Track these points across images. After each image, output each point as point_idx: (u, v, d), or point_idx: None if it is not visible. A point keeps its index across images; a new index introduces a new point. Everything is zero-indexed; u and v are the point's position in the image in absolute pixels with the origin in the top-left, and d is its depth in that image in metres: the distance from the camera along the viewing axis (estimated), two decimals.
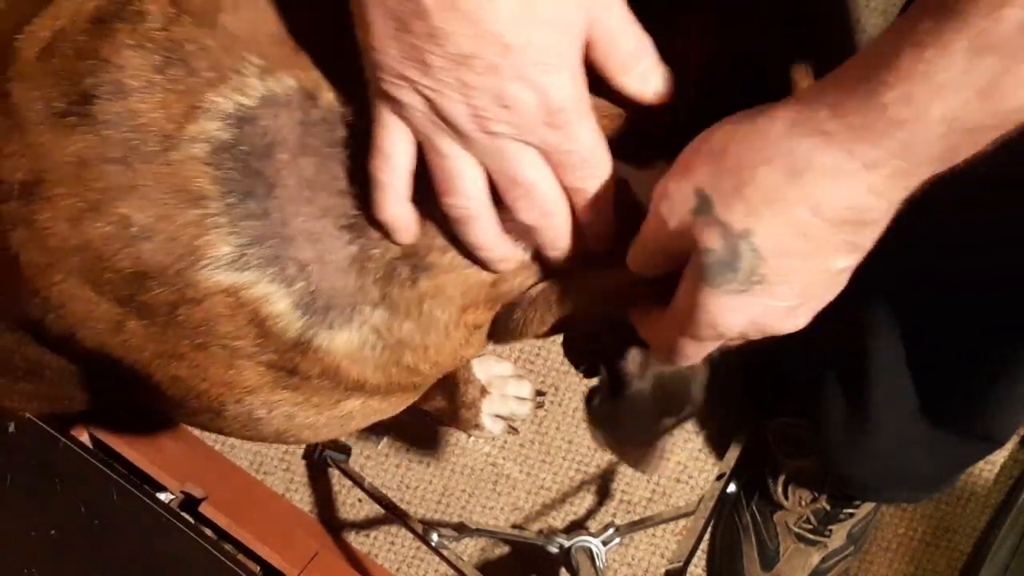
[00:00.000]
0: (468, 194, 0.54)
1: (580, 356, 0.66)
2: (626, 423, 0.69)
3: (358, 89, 0.55)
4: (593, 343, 0.70)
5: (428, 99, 0.51)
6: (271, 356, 0.60)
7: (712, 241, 0.49)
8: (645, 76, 0.54)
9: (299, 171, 0.56)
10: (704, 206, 0.48)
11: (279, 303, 0.58)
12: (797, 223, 0.47)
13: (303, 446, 1.31)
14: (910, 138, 0.42)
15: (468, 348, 0.65)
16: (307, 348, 0.60)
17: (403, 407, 0.71)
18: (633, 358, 0.66)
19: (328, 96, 0.56)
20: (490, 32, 0.48)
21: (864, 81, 0.42)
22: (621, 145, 0.56)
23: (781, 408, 1.21)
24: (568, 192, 0.56)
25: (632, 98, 0.55)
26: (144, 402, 0.69)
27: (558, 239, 0.58)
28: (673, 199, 0.50)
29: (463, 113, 0.51)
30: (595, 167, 0.55)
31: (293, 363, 0.61)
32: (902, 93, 0.41)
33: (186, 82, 0.55)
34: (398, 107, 0.52)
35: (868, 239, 0.48)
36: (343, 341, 0.60)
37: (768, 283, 0.49)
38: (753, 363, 1.28)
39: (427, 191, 0.56)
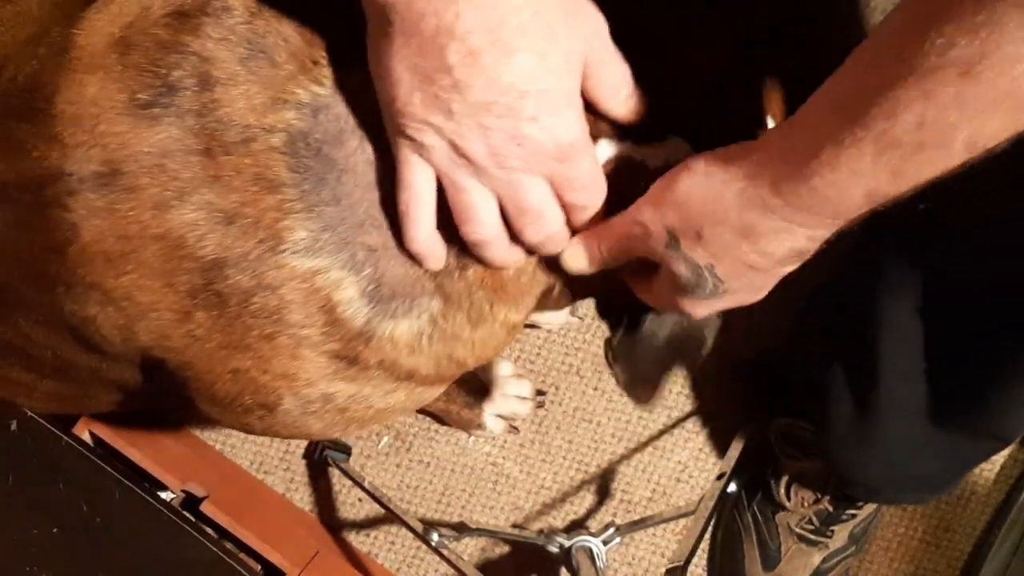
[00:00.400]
0: (485, 222, 0.60)
1: (608, 311, 0.74)
2: (641, 361, 0.73)
3: None
4: (614, 302, 0.75)
5: (450, 141, 0.56)
6: (335, 345, 0.62)
7: (681, 269, 0.59)
8: (627, 101, 0.62)
9: (366, 157, 0.59)
10: (674, 243, 0.58)
11: (349, 289, 0.61)
12: (749, 262, 0.58)
13: (303, 446, 1.31)
14: (838, 207, 0.52)
15: (506, 345, 0.70)
16: (371, 337, 0.63)
17: (429, 400, 0.74)
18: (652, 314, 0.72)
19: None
20: (507, 83, 0.54)
21: (798, 166, 0.51)
22: (639, 128, 0.63)
23: (783, 409, 1.21)
24: (568, 208, 0.62)
25: (617, 118, 0.62)
26: (176, 405, 0.70)
27: (557, 248, 0.65)
28: (648, 228, 0.59)
29: (481, 151, 0.56)
30: (594, 190, 0.62)
31: (355, 352, 0.63)
32: (829, 180, 0.50)
33: (269, 73, 0.58)
34: (421, 148, 0.57)
35: (811, 254, 0.60)
36: (403, 330, 0.63)
37: (731, 292, 0.62)
38: (755, 363, 1.28)
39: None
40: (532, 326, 1.31)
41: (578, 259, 0.65)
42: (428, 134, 0.56)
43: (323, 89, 0.59)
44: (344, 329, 0.62)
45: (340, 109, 0.59)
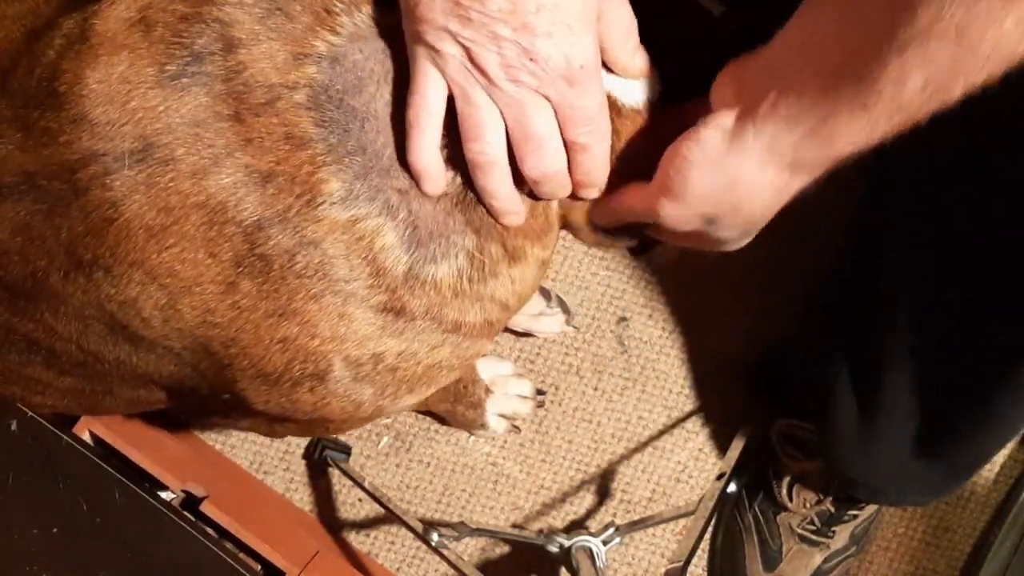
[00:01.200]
0: (490, 141, 0.61)
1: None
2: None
3: None
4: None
5: (465, 48, 0.58)
6: (382, 297, 0.63)
7: (724, 236, 0.65)
8: (633, 51, 0.64)
9: (384, 101, 0.61)
10: (711, 224, 0.64)
11: (389, 235, 0.62)
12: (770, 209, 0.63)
13: (303, 445, 1.31)
14: (834, 157, 0.57)
15: (540, 281, 0.72)
16: (415, 283, 0.64)
17: (473, 360, 0.74)
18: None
19: (393, 19, 0.60)
20: None
21: (816, 129, 0.56)
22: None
23: (784, 409, 1.21)
24: (570, 148, 0.63)
25: (621, 69, 0.65)
26: (194, 405, 0.70)
27: (553, 195, 0.67)
28: (680, 217, 0.63)
29: (494, 63, 0.58)
30: (598, 126, 0.63)
31: (402, 302, 0.64)
32: (838, 145, 0.56)
33: (287, 29, 0.59)
34: (437, 56, 0.58)
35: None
36: (445, 273, 0.65)
37: (754, 230, 0.66)
38: (756, 363, 1.28)
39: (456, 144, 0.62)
40: (527, 335, 1.31)
41: (602, 217, 0.68)
42: (445, 41, 0.58)
43: (339, 39, 0.60)
44: (389, 278, 0.63)
45: (356, 56, 0.60)
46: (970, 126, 0.73)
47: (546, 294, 1.29)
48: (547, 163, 0.63)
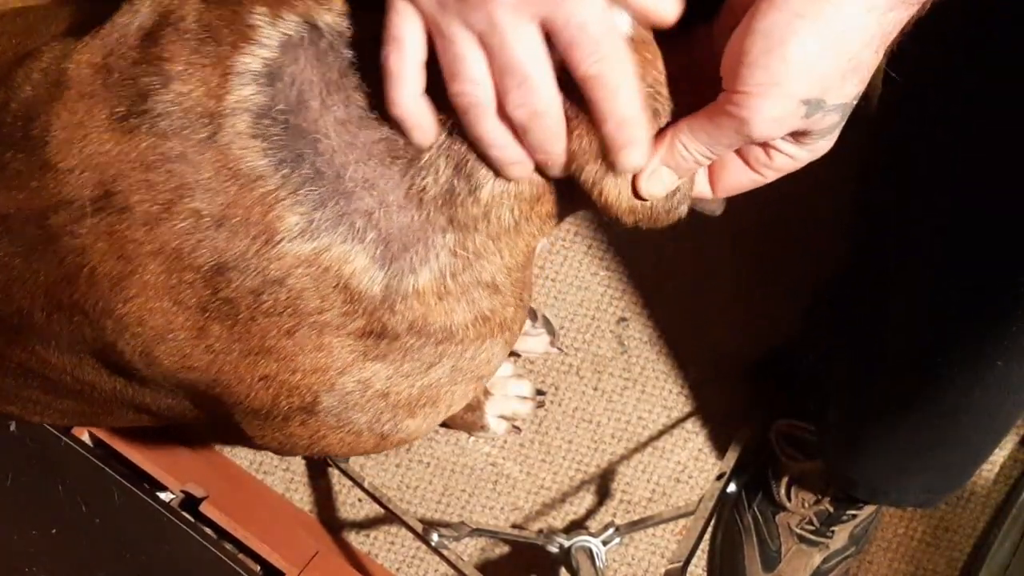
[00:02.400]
0: (473, 78, 0.53)
1: None
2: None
3: None
4: None
5: None
6: (359, 322, 0.61)
7: (831, 119, 0.55)
8: None
9: (332, 115, 0.57)
10: (815, 105, 0.53)
11: (358, 259, 0.58)
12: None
13: None
14: None
15: (539, 237, 0.65)
16: (395, 300, 0.60)
17: (482, 366, 0.70)
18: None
19: (326, 18, 0.57)
20: None
21: None
22: None
23: (784, 409, 1.21)
24: (581, 83, 0.53)
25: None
26: (210, 421, 0.68)
27: (546, 142, 0.56)
28: (778, 116, 0.52)
29: None
30: (609, 48, 0.52)
31: (381, 323, 0.61)
32: None
33: (216, 53, 0.56)
34: None
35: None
36: (426, 279, 0.61)
37: (854, 100, 0.55)
38: (757, 364, 1.28)
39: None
40: (514, 354, 1.31)
41: (657, 179, 0.57)
42: None
43: (268, 51, 0.56)
44: (365, 301, 0.60)
45: (292, 68, 0.56)
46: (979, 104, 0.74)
47: (532, 314, 1.29)
48: (532, 98, 0.53)
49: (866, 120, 1.05)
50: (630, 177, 0.58)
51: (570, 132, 0.56)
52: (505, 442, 1.31)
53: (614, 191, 0.58)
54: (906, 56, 0.55)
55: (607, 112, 0.54)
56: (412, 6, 0.53)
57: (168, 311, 0.59)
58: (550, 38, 0.52)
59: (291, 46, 0.56)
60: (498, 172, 0.58)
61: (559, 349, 1.31)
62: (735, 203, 0.65)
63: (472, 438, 1.31)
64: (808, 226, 1.28)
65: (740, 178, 0.60)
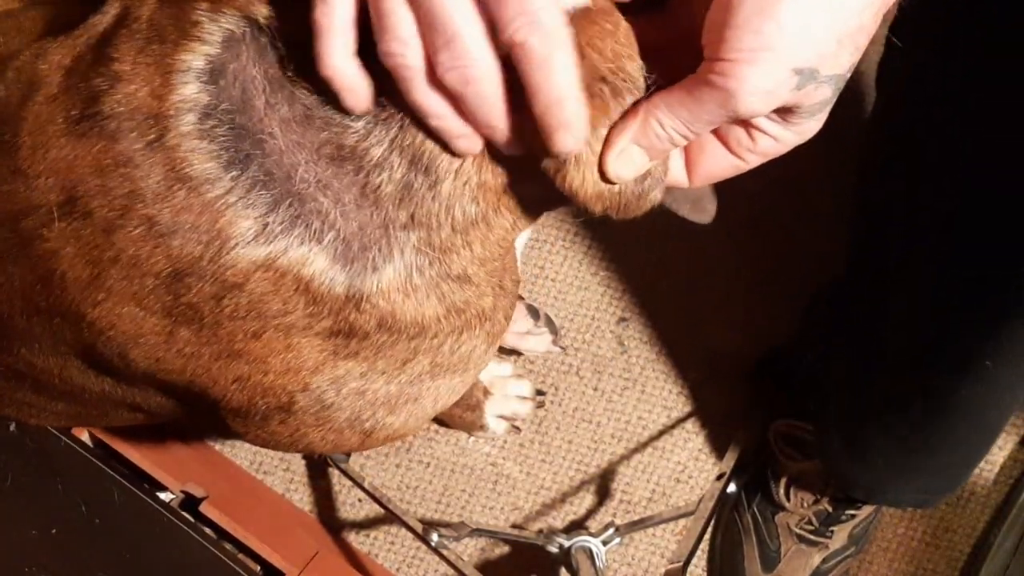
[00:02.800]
0: (400, 36, 0.48)
1: None
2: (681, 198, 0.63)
3: None
4: None
5: None
6: (326, 323, 0.59)
7: (826, 92, 0.50)
8: None
9: (278, 114, 0.54)
10: (808, 75, 0.48)
11: (317, 261, 0.56)
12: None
13: None
14: None
15: (516, 230, 0.62)
16: (359, 299, 0.58)
17: (464, 359, 0.68)
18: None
19: (263, 12, 0.54)
20: None
21: None
22: None
23: (783, 409, 1.21)
24: (508, 51, 0.47)
25: None
26: (202, 421, 0.68)
27: (483, 112, 0.50)
28: (768, 87, 0.48)
29: None
30: (540, 12, 0.46)
31: (348, 322, 0.59)
32: None
33: (160, 51, 0.54)
34: None
35: None
36: (390, 277, 0.58)
37: (848, 72, 0.51)
38: (756, 364, 1.28)
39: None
40: (515, 354, 1.31)
41: (627, 160, 0.52)
42: None
43: (210, 47, 0.54)
44: (329, 302, 0.58)
45: (235, 65, 0.54)
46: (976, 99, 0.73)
47: (534, 313, 1.29)
48: (463, 60, 0.47)
49: (865, 120, 1.05)
50: (596, 160, 0.53)
51: (523, 108, 0.50)
52: (505, 442, 1.31)
53: (578, 176, 0.53)
54: (906, 39, 0.53)
55: (534, 88, 0.48)
56: None
57: (136, 316, 0.59)
58: None
59: (233, 42, 0.54)
60: (445, 148, 0.54)
61: (561, 348, 1.31)
62: (735, 204, 0.64)
63: (472, 438, 1.31)
64: (808, 226, 1.28)
65: (720, 163, 0.55)
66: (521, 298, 1.29)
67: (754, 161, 0.54)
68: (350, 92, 0.52)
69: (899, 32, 0.53)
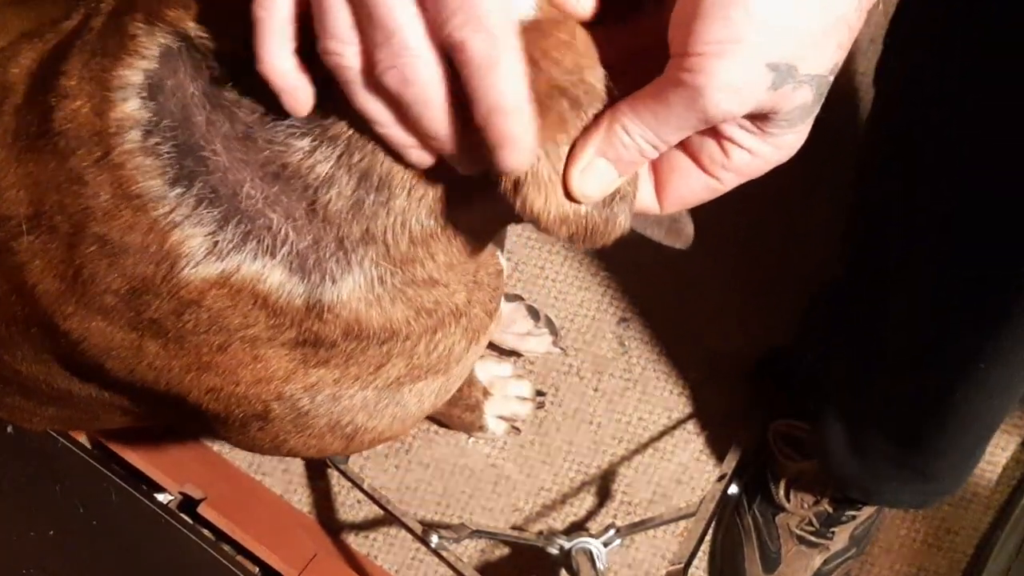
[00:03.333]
0: (337, 34, 0.44)
1: None
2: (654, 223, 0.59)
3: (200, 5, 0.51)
4: None
5: None
6: (289, 333, 0.57)
7: (805, 94, 0.45)
8: None
9: (219, 131, 0.52)
10: (785, 73, 0.43)
11: (272, 276, 0.54)
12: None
13: None
14: None
15: (483, 241, 0.59)
16: (320, 310, 0.56)
17: (453, 370, 0.66)
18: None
19: (190, 25, 0.52)
20: None
21: None
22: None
23: (783, 409, 1.21)
24: (449, 53, 0.43)
25: None
26: (191, 424, 0.68)
27: (425, 120, 0.46)
28: (742, 82, 0.43)
29: None
30: (482, 11, 0.42)
31: (313, 332, 0.57)
32: None
33: (101, 65, 0.53)
34: None
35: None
36: (350, 288, 0.56)
37: (831, 73, 0.46)
38: (756, 365, 1.28)
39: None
40: (515, 354, 1.30)
41: (593, 176, 0.47)
42: None
43: (148, 62, 0.51)
44: (290, 314, 0.56)
45: (173, 81, 0.52)
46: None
47: (534, 314, 1.29)
48: (401, 60, 0.43)
49: (863, 119, 1.05)
50: (559, 179, 0.48)
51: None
52: (505, 443, 1.31)
53: (539, 198, 0.48)
54: (903, 40, 0.50)
55: (476, 95, 0.43)
56: None
57: (104, 330, 0.58)
58: None
59: (171, 57, 0.52)
60: (397, 161, 0.51)
61: (561, 349, 1.31)
62: (735, 205, 0.63)
63: (472, 439, 1.31)
64: (808, 227, 1.28)
65: (692, 185, 0.50)
66: (521, 299, 1.29)
67: (729, 181, 0.49)
68: (288, 94, 0.48)
69: (896, 32, 0.51)
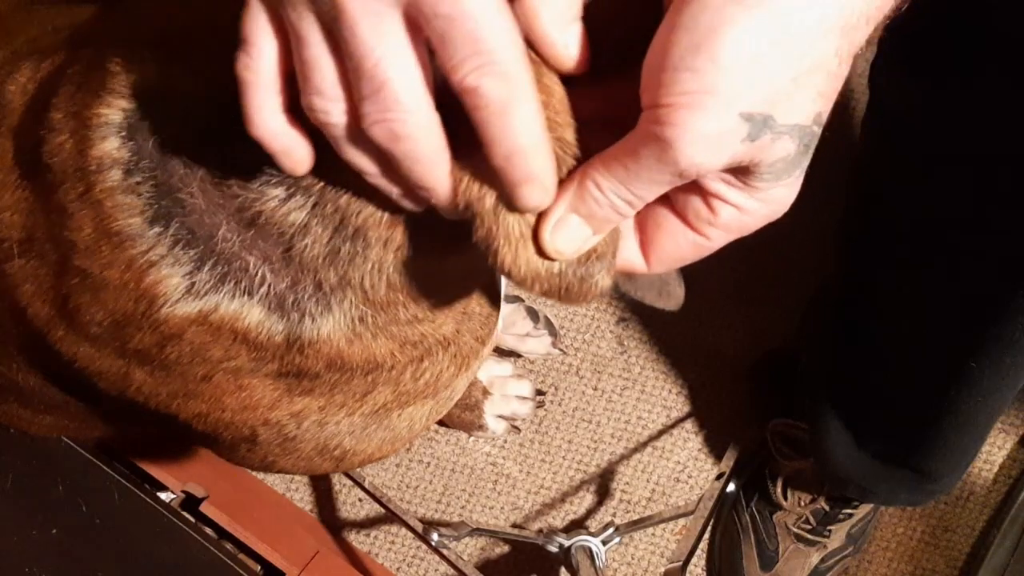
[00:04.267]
0: (321, 88, 0.42)
1: None
2: (644, 286, 0.58)
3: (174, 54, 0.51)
4: None
5: None
6: (272, 366, 0.57)
7: (787, 146, 0.42)
8: (568, 21, 0.43)
9: (196, 173, 0.51)
10: (762, 124, 0.41)
11: (251, 315, 0.54)
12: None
13: None
14: None
15: (469, 282, 0.59)
16: (302, 345, 0.55)
17: (442, 394, 0.66)
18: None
19: (165, 68, 0.51)
20: None
21: None
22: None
23: (781, 409, 1.21)
24: (460, 96, 0.40)
25: (548, 51, 0.43)
26: (186, 436, 0.68)
27: (416, 175, 0.43)
28: (716, 135, 0.40)
29: None
30: (498, 50, 0.39)
31: (295, 365, 0.57)
32: None
33: (83, 101, 0.52)
34: None
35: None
36: (330, 327, 0.55)
37: (819, 123, 0.43)
38: (755, 364, 1.28)
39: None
40: (515, 355, 1.31)
41: (565, 232, 0.45)
42: None
43: (126, 101, 0.51)
44: (271, 348, 0.56)
45: (150, 123, 0.51)
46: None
47: (534, 315, 1.29)
48: (393, 114, 0.40)
49: (860, 118, 1.05)
50: (530, 233, 0.45)
51: (466, 163, 0.44)
52: (505, 442, 1.32)
53: (510, 253, 0.45)
54: (896, 39, 0.47)
55: (493, 139, 0.41)
56: (261, 5, 0.42)
57: (93, 355, 0.58)
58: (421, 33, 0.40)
59: (148, 97, 0.51)
60: (376, 207, 0.49)
61: (561, 350, 1.31)
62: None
63: (472, 438, 1.31)
64: (806, 227, 1.28)
65: (679, 243, 0.48)
66: (521, 300, 1.29)
67: (718, 238, 0.47)
68: (284, 155, 0.45)
69: (890, 31, 0.51)
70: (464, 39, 0.39)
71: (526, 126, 0.41)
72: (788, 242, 1.29)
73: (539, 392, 1.31)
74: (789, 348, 1.23)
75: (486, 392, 1.26)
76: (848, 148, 1.01)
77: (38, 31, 0.64)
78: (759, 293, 1.30)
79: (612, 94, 0.43)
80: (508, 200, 0.44)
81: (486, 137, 0.41)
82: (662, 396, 1.32)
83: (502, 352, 1.30)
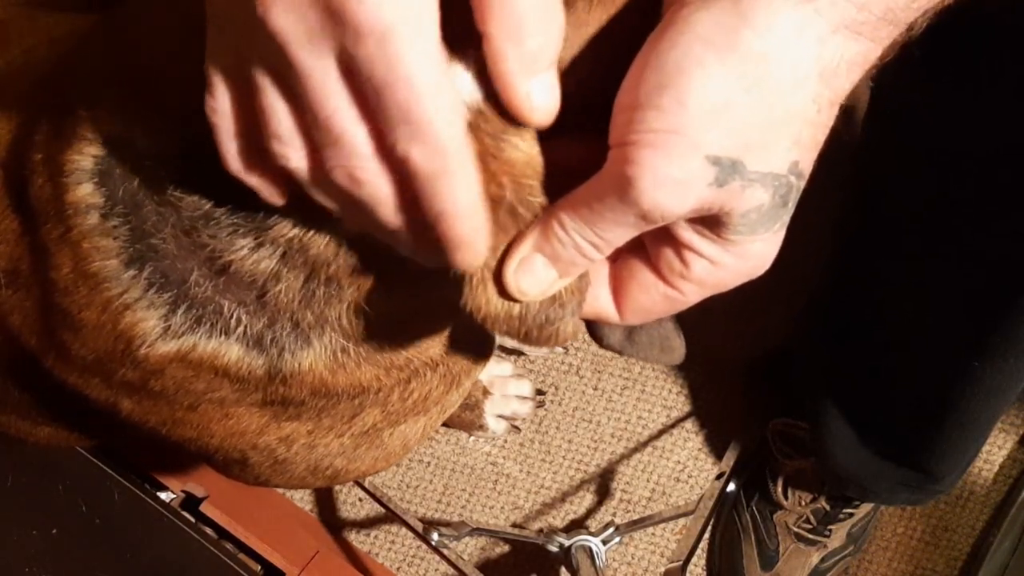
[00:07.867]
0: (279, 134, 0.41)
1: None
2: (641, 342, 0.58)
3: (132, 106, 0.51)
4: None
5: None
6: (256, 395, 0.57)
7: (759, 194, 0.41)
8: (538, 67, 0.41)
9: (166, 220, 0.51)
10: (730, 170, 0.39)
11: (230, 353, 0.54)
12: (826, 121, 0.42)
13: None
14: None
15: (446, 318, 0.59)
16: (284, 378, 0.55)
17: (433, 411, 0.66)
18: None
19: (129, 120, 0.52)
20: None
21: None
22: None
23: (781, 408, 1.21)
24: (392, 161, 0.40)
25: (512, 102, 0.41)
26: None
27: (379, 218, 0.42)
28: (680, 177, 0.39)
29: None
30: (424, 124, 0.38)
31: (279, 394, 0.57)
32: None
33: (57, 147, 0.53)
34: (218, 37, 0.42)
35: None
36: (311, 359, 0.55)
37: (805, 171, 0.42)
38: (755, 364, 1.28)
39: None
40: (518, 352, 1.31)
41: (528, 273, 0.44)
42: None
43: (96, 148, 0.51)
44: (252, 381, 0.56)
45: (120, 168, 0.52)
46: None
47: None
48: (351, 161, 0.40)
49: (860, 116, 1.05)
50: (490, 274, 0.44)
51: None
52: (505, 442, 1.32)
53: (470, 292, 0.45)
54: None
55: (425, 202, 0.40)
56: (220, 51, 0.42)
57: (82, 384, 0.59)
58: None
59: (116, 146, 0.51)
60: (359, 250, 0.50)
61: (564, 349, 1.31)
62: None
63: (472, 437, 1.32)
64: (806, 227, 1.28)
65: (651, 295, 0.46)
66: None
67: (692, 293, 0.46)
68: (263, 189, 0.45)
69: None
70: (396, 107, 0.38)
71: (457, 193, 0.40)
72: (788, 242, 1.29)
73: (539, 392, 1.31)
74: (789, 348, 1.23)
75: (486, 392, 1.26)
76: (849, 147, 1.01)
77: (36, 41, 0.64)
78: (759, 292, 1.30)
79: (601, 145, 0.41)
80: (442, 258, 0.43)
81: (420, 199, 0.40)
82: (662, 396, 1.32)
83: (503, 351, 1.30)
